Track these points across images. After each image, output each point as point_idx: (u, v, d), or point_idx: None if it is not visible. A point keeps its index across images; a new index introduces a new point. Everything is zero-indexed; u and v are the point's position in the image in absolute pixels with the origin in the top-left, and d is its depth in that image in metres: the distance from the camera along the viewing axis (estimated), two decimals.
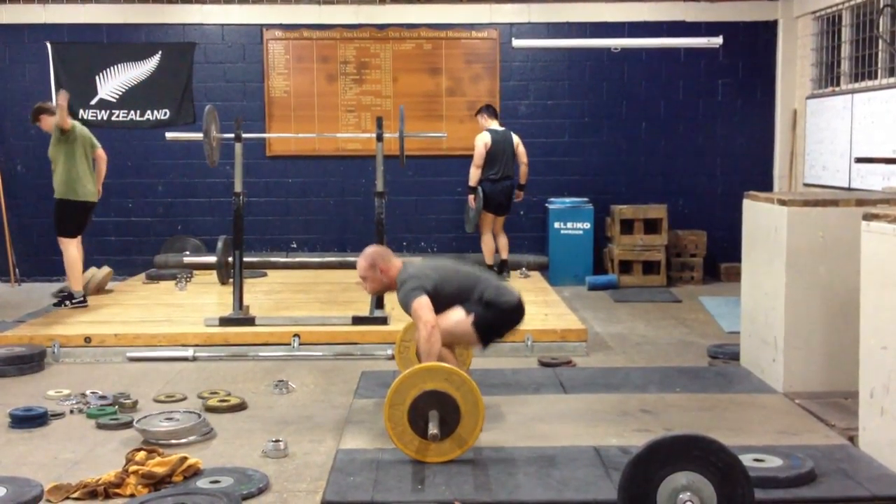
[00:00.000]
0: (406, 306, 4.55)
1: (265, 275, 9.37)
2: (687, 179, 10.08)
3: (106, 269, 8.45)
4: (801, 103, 9.69)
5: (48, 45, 9.82)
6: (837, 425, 4.47)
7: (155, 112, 9.94)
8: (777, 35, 9.87)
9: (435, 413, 4.03)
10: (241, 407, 5.15)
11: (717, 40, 9.64)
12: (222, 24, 9.94)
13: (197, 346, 6.42)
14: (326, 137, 9.80)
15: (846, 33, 8.81)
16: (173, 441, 4.46)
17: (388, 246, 7.20)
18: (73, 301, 7.41)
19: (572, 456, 4.10)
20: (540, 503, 3.65)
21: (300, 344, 6.45)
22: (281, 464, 4.22)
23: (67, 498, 3.81)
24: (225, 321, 6.64)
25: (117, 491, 3.85)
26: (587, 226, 9.58)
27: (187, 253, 9.77)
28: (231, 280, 7.16)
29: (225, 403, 5.14)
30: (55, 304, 7.55)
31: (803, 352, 5.04)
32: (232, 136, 6.99)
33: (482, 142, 8.57)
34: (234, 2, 9.88)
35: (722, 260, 9.87)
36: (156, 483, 3.87)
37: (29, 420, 4.82)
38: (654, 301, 8.71)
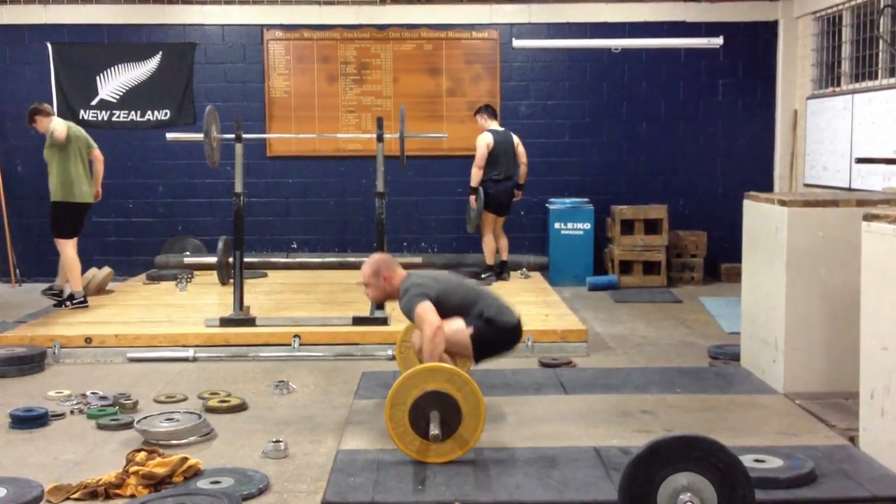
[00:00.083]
0: (409, 312, 4.56)
1: (265, 275, 9.38)
2: (687, 180, 10.08)
3: (106, 270, 8.45)
4: (801, 104, 9.69)
5: (49, 46, 9.83)
6: (838, 426, 4.47)
7: (155, 112, 9.95)
8: (777, 35, 9.86)
9: (436, 414, 4.03)
10: (241, 407, 5.15)
11: (718, 41, 9.66)
12: (223, 25, 9.94)
13: (197, 346, 6.42)
14: (327, 138, 9.81)
15: (847, 33, 8.81)
16: (174, 442, 4.46)
17: (389, 246, 7.24)
18: (74, 301, 7.42)
19: (573, 456, 4.10)
20: (540, 503, 3.66)
21: (300, 344, 6.45)
22: (281, 464, 4.22)
23: (68, 498, 3.81)
24: (225, 322, 6.64)
25: (118, 491, 3.85)
26: (587, 226, 9.58)
27: (188, 253, 9.78)
28: (231, 280, 7.16)
29: (225, 404, 5.14)
30: (55, 305, 7.56)
31: (804, 352, 5.04)
32: (232, 136, 6.99)
33: (484, 142, 8.57)
34: (235, 2, 9.89)
35: (722, 260, 9.87)
36: (156, 484, 3.87)
37: (29, 421, 4.83)
38: (655, 301, 8.71)
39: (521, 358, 6.31)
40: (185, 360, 6.32)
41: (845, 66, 8.84)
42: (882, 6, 7.89)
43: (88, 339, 6.42)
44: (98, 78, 9.87)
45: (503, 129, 8.81)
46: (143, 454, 4.09)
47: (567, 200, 9.72)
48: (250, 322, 6.69)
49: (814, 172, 9.27)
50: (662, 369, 5.93)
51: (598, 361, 6.33)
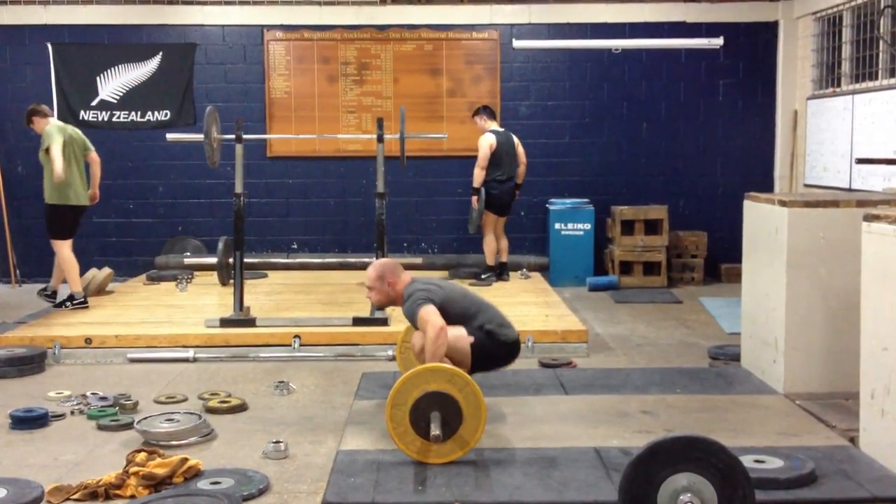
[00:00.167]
0: (412, 316, 4.57)
1: (266, 276, 9.38)
2: (688, 180, 10.08)
3: (107, 271, 8.45)
4: (801, 104, 9.69)
5: (49, 46, 9.83)
6: (838, 426, 4.47)
7: (156, 113, 9.95)
8: (778, 36, 9.86)
9: (437, 414, 4.03)
10: (241, 408, 5.15)
11: (718, 41, 9.66)
12: (223, 25, 9.94)
13: (197, 347, 6.42)
14: (327, 138, 9.81)
15: (847, 34, 8.81)
16: (174, 442, 4.46)
17: (389, 247, 7.25)
18: (74, 302, 7.42)
19: (573, 457, 4.10)
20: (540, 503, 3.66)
21: (301, 345, 6.45)
22: (281, 465, 4.22)
23: (68, 499, 3.81)
24: (225, 322, 6.64)
25: (118, 492, 3.85)
26: (588, 227, 9.58)
27: (188, 254, 9.78)
28: (232, 281, 7.16)
29: (225, 404, 5.14)
30: (55, 306, 7.56)
31: (804, 353, 5.04)
32: (233, 137, 6.99)
33: (487, 143, 8.55)
34: (235, 3, 9.89)
35: (722, 261, 9.87)
36: (156, 484, 3.87)
37: (29, 421, 4.82)
38: (655, 302, 8.71)
39: (521, 358, 6.21)
40: (186, 360, 6.31)
41: (845, 67, 8.84)
42: (882, 6, 7.89)
43: (88, 340, 6.42)
44: (98, 78, 9.87)
45: (503, 129, 8.81)
46: (143, 455, 4.09)
47: (567, 201, 9.72)
48: (250, 323, 6.69)
49: (814, 173, 9.27)
50: (663, 370, 5.94)
51: (599, 362, 6.33)
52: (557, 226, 9.58)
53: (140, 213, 10.07)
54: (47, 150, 7.29)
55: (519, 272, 9.19)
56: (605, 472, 3.91)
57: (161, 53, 9.89)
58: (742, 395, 5.12)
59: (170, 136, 7.91)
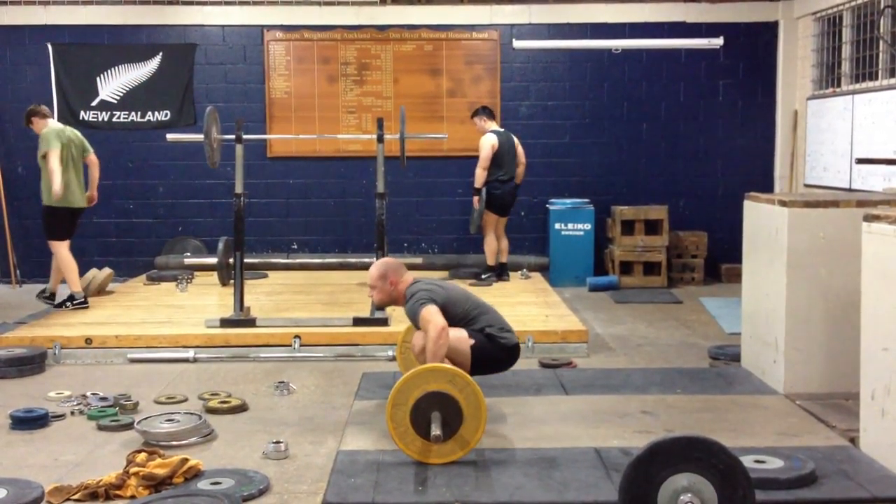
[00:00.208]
0: (414, 315, 4.58)
1: (266, 276, 9.37)
2: (688, 180, 10.08)
3: (107, 271, 8.45)
4: (801, 104, 9.69)
5: (49, 47, 9.83)
6: (838, 427, 4.47)
7: (156, 113, 9.95)
8: (778, 36, 9.86)
9: (437, 414, 4.03)
10: (241, 408, 5.15)
11: (718, 41, 9.65)
12: (223, 26, 9.94)
13: (198, 347, 6.41)
14: (327, 139, 9.81)
15: (847, 34, 8.81)
16: (174, 442, 4.46)
17: (389, 247, 7.24)
18: (74, 302, 7.42)
19: (573, 457, 4.10)
20: None
21: (301, 345, 6.45)
22: (282, 465, 4.22)
23: (68, 499, 3.81)
24: (226, 322, 6.64)
25: (118, 492, 3.85)
26: (588, 227, 9.58)
27: (188, 254, 9.78)
28: (232, 281, 7.16)
29: (226, 405, 5.14)
30: (55, 306, 7.56)
31: (804, 353, 5.04)
32: (233, 137, 6.99)
33: (490, 143, 8.54)
34: (235, 3, 9.89)
35: (723, 261, 9.86)
36: (156, 484, 3.87)
37: (30, 421, 4.82)
38: (655, 302, 8.70)
39: (521, 358, 6.23)
40: (186, 360, 6.31)
41: (845, 67, 8.84)
42: (882, 7, 7.90)
43: (89, 340, 6.42)
44: (98, 79, 9.87)
45: (503, 129, 8.81)
46: (143, 455, 4.09)
47: (567, 201, 9.72)
48: (251, 323, 6.69)
49: (814, 173, 9.27)
50: (663, 370, 5.94)
51: (599, 362, 6.33)
52: (557, 226, 9.58)
53: (140, 214, 10.07)
54: (44, 156, 7.30)
55: (519, 272, 9.19)
56: (605, 472, 3.92)
57: (161, 54, 9.89)
58: (742, 396, 5.12)
59: (170, 136, 7.91)
